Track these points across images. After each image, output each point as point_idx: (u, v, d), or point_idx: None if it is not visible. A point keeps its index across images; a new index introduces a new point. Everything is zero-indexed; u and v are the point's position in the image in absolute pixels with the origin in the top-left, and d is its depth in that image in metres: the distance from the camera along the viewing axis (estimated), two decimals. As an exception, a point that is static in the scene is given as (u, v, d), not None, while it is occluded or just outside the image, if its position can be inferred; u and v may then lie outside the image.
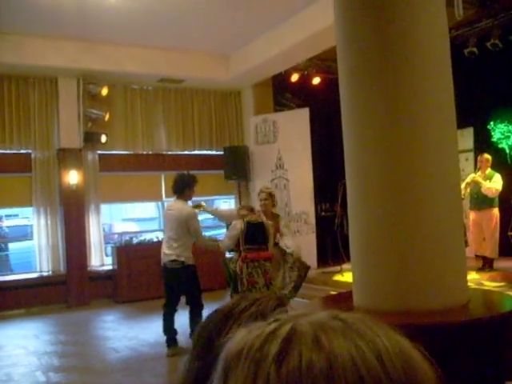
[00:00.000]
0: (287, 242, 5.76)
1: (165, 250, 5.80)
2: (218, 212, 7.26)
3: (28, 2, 6.83)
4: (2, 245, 12.75)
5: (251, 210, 5.85)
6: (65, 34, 8.19)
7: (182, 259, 5.70)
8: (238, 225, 5.55)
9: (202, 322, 0.84)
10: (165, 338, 5.79)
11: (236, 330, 0.76)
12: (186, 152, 10.48)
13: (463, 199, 6.63)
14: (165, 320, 5.82)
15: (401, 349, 0.48)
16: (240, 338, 0.49)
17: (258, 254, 5.42)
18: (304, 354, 0.44)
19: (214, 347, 0.76)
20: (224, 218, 6.81)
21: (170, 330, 5.79)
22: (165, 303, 5.87)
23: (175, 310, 5.81)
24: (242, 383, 0.45)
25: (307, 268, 5.87)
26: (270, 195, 5.95)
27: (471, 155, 9.15)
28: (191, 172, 6.19)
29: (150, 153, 10.13)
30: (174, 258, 5.70)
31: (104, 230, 10.53)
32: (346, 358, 0.44)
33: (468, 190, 7.70)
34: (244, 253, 5.45)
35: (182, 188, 5.83)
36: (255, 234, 5.47)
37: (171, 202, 6.24)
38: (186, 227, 5.72)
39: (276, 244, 5.75)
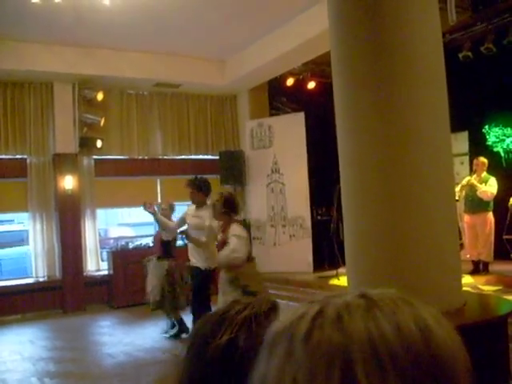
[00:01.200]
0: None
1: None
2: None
3: (24, 7, 6.82)
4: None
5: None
6: (62, 39, 8.18)
7: None
8: None
9: (197, 325, 0.84)
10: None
11: (229, 332, 0.76)
12: (182, 157, 10.47)
13: (457, 201, 6.65)
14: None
15: (425, 325, 0.52)
16: (282, 319, 0.57)
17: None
18: (325, 332, 0.50)
19: (209, 349, 0.76)
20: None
21: None
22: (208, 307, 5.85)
23: None
24: (280, 357, 0.52)
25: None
26: (213, 205, 5.00)
27: (466, 159, 9.17)
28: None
29: (146, 158, 10.11)
30: None
31: (100, 235, 10.50)
32: (363, 334, 0.50)
33: (463, 192, 7.72)
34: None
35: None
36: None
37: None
38: None
39: None
